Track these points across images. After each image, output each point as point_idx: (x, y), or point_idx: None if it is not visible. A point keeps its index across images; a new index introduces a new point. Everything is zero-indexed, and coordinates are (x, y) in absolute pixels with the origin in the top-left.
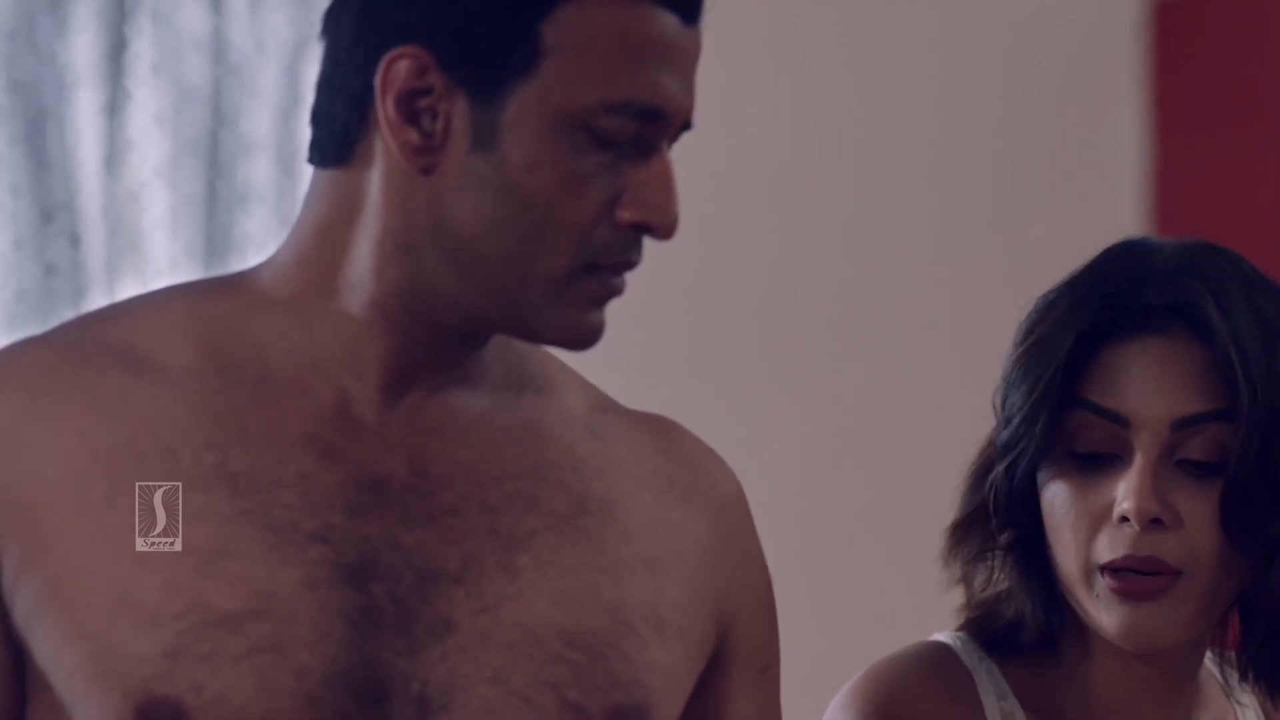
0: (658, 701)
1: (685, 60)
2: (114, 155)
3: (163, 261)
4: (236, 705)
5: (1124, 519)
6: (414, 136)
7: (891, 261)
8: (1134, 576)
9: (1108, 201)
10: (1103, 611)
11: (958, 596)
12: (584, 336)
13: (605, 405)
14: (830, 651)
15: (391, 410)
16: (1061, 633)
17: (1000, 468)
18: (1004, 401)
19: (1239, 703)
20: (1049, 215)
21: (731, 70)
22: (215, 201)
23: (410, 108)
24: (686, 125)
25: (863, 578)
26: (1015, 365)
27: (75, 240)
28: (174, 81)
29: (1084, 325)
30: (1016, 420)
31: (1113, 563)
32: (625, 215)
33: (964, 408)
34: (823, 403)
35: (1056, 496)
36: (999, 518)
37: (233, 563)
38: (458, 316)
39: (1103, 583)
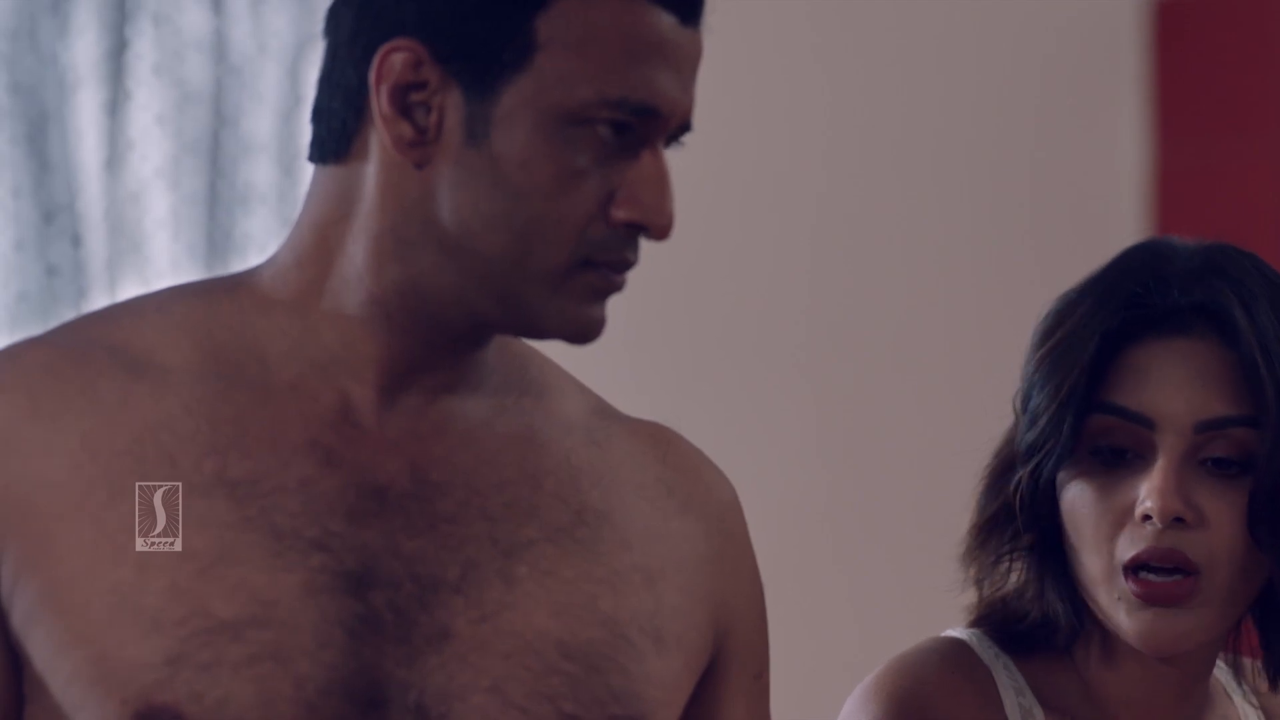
0: (654, 713)
1: (683, 60)
2: (115, 156)
3: (164, 262)
4: (235, 713)
5: (1146, 517)
6: (407, 130)
7: (893, 264)
8: (1155, 580)
9: (1109, 203)
10: (1124, 615)
11: (959, 600)
12: (584, 330)
13: (604, 412)
14: (829, 656)
15: (391, 413)
16: (1080, 632)
17: (1025, 470)
18: (1025, 402)
19: (1248, 704)
20: (1050, 217)
21: (734, 75)
22: (216, 202)
23: (404, 101)
24: (686, 127)
25: (863, 582)
26: (1038, 366)
27: (77, 241)
28: (175, 82)
29: (1109, 326)
30: (1042, 422)
31: (1135, 558)
32: (619, 214)
33: (965, 411)
34: (824, 406)
35: (1079, 497)
36: (1024, 520)
37: (234, 569)
38: (457, 312)
39: (1124, 586)
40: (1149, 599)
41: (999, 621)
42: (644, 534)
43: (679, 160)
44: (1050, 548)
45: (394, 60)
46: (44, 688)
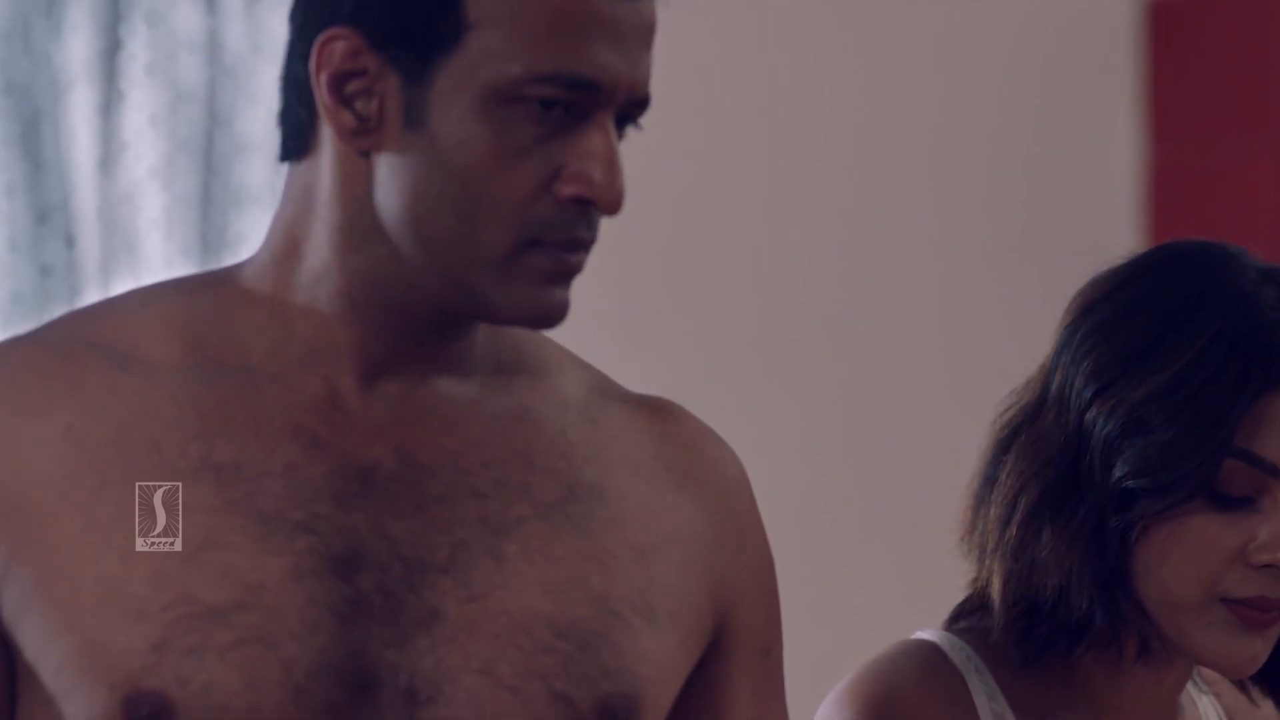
0: (648, 691)
1: (625, 31)
2: (109, 156)
3: (157, 262)
4: (223, 698)
5: (1268, 565)
6: (349, 119)
7: (889, 260)
8: (1260, 613)
9: (1104, 201)
10: (1215, 638)
11: (958, 595)
12: (540, 314)
13: (604, 389)
14: (830, 645)
15: (376, 398)
16: (1105, 642)
17: (1143, 506)
18: (1127, 432)
19: (1201, 695)
20: (1045, 215)
21: (732, 71)
22: (210, 202)
23: (344, 90)
24: (641, 103)
25: (862, 572)
26: (1154, 404)
27: (70, 241)
28: (169, 82)
29: (1259, 383)
30: (1172, 468)
31: (1246, 599)
32: (564, 189)
33: (962, 405)
34: (820, 400)
35: (1185, 530)
36: (1104, 543)
37: (220, 554)
38: (420, 301)
39: (1222, 611)
40: (1254, 624)
41: (1016, 619)
42: (638, 510)
43: (678, 157)
44: (1118, 564)
45: (332, 49)
46: (35, 677)
